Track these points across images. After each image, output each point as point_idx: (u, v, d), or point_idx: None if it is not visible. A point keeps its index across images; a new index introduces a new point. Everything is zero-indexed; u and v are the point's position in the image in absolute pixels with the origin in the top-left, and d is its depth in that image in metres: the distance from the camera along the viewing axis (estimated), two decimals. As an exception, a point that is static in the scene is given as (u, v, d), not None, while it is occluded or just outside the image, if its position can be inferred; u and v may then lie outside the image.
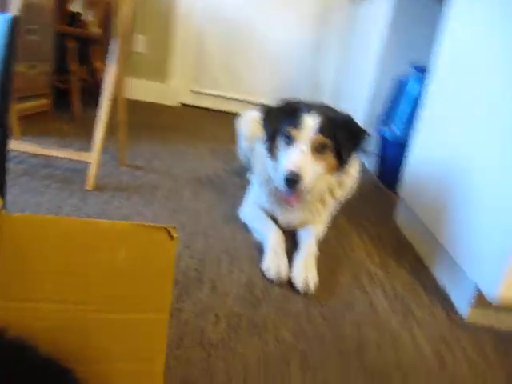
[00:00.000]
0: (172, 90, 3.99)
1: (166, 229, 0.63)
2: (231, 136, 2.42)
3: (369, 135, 1.48)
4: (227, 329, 1.11)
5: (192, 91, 4.03)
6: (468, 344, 1.22)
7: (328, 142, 1.40)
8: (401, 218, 1.97)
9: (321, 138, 1.39)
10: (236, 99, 4.01)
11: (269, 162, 1.54)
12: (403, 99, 2.39)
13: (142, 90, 3.91)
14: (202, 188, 2.00)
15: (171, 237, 0.63)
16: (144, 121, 3.15)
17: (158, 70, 3.97)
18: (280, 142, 1.47)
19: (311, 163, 1.38)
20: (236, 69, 4.02)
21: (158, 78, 3.98)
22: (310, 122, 1.40)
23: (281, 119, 1.46)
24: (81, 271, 0.60)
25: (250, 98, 3.94)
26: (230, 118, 2.65)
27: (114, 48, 1.81)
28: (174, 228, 0.63)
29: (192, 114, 3.82)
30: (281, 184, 1.40)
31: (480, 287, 1.26)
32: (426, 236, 1.65)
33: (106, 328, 0.63)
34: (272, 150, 1.51)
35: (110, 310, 0.62)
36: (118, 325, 0.63)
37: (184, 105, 4.05)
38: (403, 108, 2.38)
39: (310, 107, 1.45)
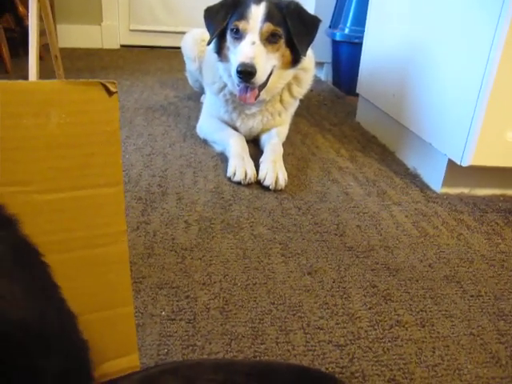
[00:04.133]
0: (110, 32, 3.74)
1: (102, 84, 0.54)
2: (179, 67, 2.27)
3: (320, 21, 1.39)
4: (199, 233, 1.05)
5: (131, 30, 3.79)
6: (445, 214, 1.20)
7: (279, 30, 1.30)
8: (362, 115, 1.92)
9: (271, 26, 1.29)
10: (178, 32, 3.79)
11: (220, 65, 1.43)
12: (349, -1, 2.29)
13: (77, 35, 3.64)
14: (155, 114, 1.88)
15: (110, 92, 0.54)
16: (84, 66, 2.94)
17: (91, 12, 3.68)
18: (229, 40, 1.35)
19: (264, 54, 1.28)
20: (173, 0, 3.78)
21: (93, 21, 3.70)
22: (258, 12, 1.29)
23: (225, 14, 1.34)
24: (8, 146, 0.51)
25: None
26: (175, 52, 2.49)
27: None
28: (113, 82, 0.54)
29: (135, 53, 3.59)
30: (235, 80, 1.30)
31: (451, 157, 1.23)
32: (390, 125, 1.61)
33: (56, 212, 0.55)
34: (221, 51, 1.40)
35: (56, 188, 0.54)
36: (68, 206, 0.55)
37: (125, 46, 3.81)
38: (350, 7, 2.29)
39: (255, -2, 1.34)
